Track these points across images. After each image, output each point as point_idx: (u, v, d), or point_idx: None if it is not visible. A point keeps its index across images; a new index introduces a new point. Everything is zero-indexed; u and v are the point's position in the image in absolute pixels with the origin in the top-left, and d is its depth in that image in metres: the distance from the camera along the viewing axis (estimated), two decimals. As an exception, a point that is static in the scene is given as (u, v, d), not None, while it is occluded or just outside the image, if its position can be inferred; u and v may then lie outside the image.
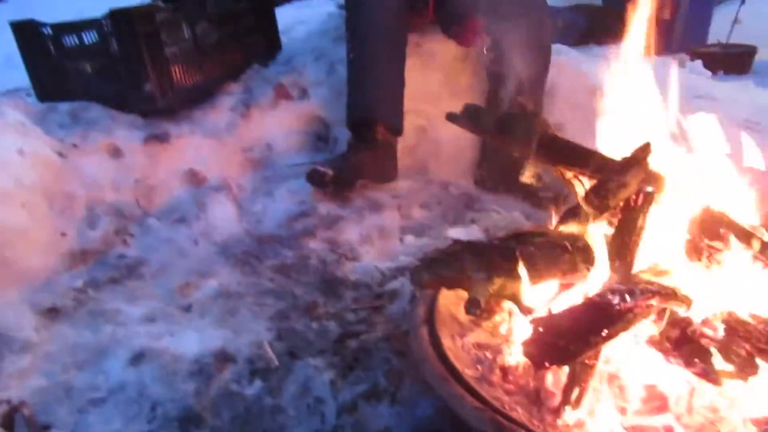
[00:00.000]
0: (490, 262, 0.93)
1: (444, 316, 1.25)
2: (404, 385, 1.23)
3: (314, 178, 1.97)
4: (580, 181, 1.16)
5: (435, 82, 2.36)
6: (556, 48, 2.32)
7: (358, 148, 2.07)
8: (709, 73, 3.33)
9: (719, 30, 3.81)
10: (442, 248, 0.95)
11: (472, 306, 0.89)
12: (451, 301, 1.26)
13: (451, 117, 1.20)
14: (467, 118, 1.15)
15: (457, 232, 1.90)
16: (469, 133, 2.24)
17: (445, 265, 0.92)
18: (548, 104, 2.28)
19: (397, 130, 2.13)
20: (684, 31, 3.64)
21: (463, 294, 1.02)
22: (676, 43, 3.57)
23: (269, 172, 2.19)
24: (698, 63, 3.38)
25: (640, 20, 1.36)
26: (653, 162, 1.09)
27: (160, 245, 1.81)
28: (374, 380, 1.26)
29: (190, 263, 1.73)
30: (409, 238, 1.88)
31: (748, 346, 0.95)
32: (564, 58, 2.45)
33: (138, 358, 1.36)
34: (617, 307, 0.92)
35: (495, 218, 2.00)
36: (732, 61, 3.51)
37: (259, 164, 2.22)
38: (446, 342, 1.17)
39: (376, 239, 1.86)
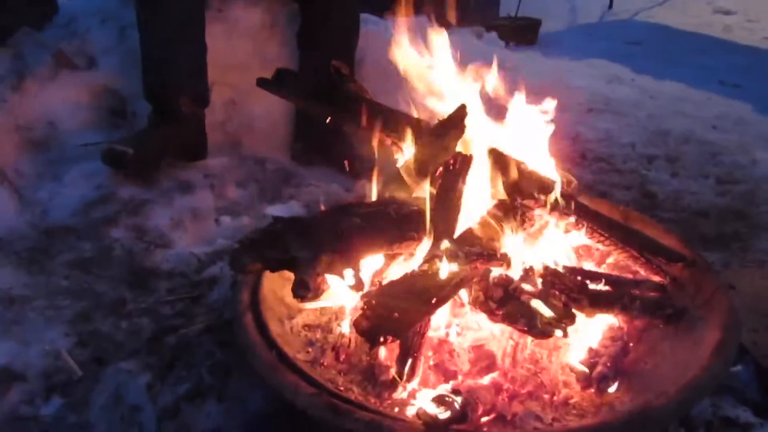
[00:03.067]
0: (315, 239, 0.87)
1: (269, 299, 1.18)
2: (232, 379, 1.14)
3: (111, 157, 1.75)
4: (399, 147, 1.14)
5: (242, 52, 2.22)
6: (364, 17, 2.30)
7: (160, 123, 1.88)
8: (503, 43, 3.57)
9: (508, 4, 4.10)
10: (263, 228, 0.87)
11: (299, 288, 0.83)
12: (275, 282, 1.19)
13: (261, 83, 1.11)
14: (279, 83, 1.07)
15: (276, 210, 1.82)
16: (282, 106, 2.17)
17: (267, 246, 0.84)
18: (358, 74, 2.26)
19: (204, 101, 1.97)
20: (477, 5, 3.83)
21: (289, 274, 0.96)
22: (471, 15, 3.75)
23: (55, 154, 1.90)
24: (493, 35, 3.60)
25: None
26: (470, 124, 1.10)
27: None
28: (198, 378, 1.15)
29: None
30: (226, 219, 1.76)
31: (563, 297, 1.00)
32: (372, 27, 2.44)
33: None
34: (444, 274, 0.92)
35: (314, 192, 1.94)
36: (521, 32, 3.79)
37: (42, 146, 1.92)
38: (274, 327, 1.10)
39: (189, 223, 1.71)
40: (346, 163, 1.94)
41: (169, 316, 1.35)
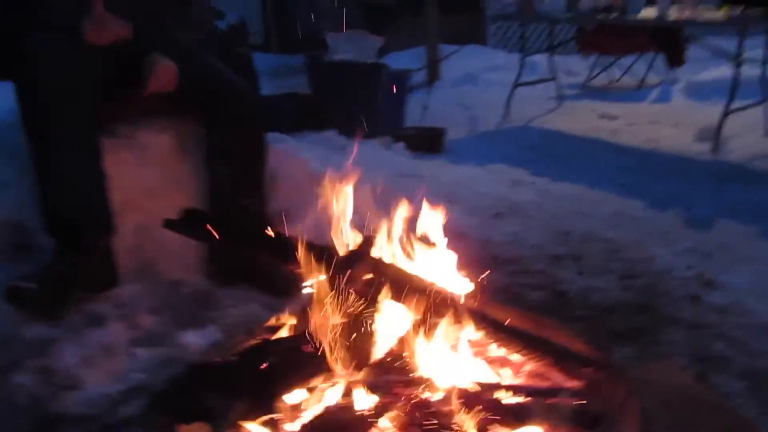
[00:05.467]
0: (230, 384, 0.85)
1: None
2: None
3: (14, 296, 1.67)
4: (309, 277, 1.16)
5: (152, 177, 2.22)
6: (273, 136, 2.37)
7: (64, 255, 1.82)
8: (410, 153, 3.75)
9: (412, 114, 4.35)
10: (175, 377, 0.85)
11: (215, 443, 0.80)
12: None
13: (169, 224, 1.11)
14: (186, 223, 1.08)
15: (193, 337, 1.77)
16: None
17: (180, 398, 0.82)
18: (271, 191, 2.30)
19: (108, 230, 1.93)
20: (384, 117, 4.04)
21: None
22: (379, 127, 3.93)
23: (-48, 295, 1.80)
24: (401, 144, 3.78)
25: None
26: (375, 253, 1.14)
27: None
28: None
29: None
30: (141, 351, 1.69)
31: (483, 415, 1.02)
32: (282, 145, 2.52)
33: None
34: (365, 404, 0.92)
35: (233, 314, 1.91)
36: (427, 141, 3.99)
37: (-66, 289, 1.81)
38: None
39: (100, 359, 1.63)
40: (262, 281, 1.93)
41: (77, 467, 1.26)
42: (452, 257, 1.39)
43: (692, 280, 2.18)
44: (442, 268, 1.35)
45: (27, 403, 1.44)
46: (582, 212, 2.88)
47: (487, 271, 2.23)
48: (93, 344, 1.66)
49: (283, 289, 1.82)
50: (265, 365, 0.89)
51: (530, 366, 1.30)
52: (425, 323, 1.15)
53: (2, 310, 1.69)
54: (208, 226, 1.09)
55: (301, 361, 0.95)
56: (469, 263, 1.45)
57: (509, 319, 1.30)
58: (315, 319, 1.03)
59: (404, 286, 1.15)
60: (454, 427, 0.99)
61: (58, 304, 1.75)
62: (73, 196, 1.84)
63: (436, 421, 0.98)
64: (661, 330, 1.88)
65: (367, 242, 1.12)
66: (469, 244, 2.56)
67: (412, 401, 1.01)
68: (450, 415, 1.01)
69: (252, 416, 0.87)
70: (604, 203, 3.01)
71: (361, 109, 3.82)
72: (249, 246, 1.12)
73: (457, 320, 1.19)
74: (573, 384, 1.23)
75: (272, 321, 1.23)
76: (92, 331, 1.71)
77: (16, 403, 1.44)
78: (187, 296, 2.02)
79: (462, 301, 1.25)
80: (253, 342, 1.03)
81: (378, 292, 1.08)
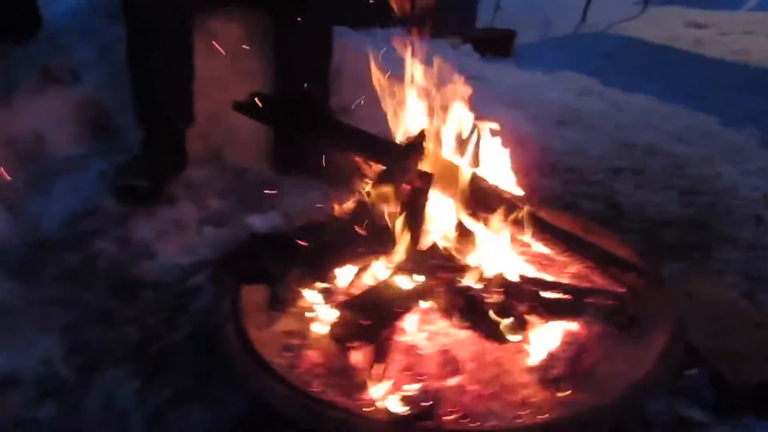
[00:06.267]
0: (288, 254, 0.94)
1: (249, 307, 1.24)
2: (214, 384, 1.20)
3: (128, 194, 1.81)
4: (368, 165, 1.22)
5: (222, 66, 2.28)
6: (340, 30, 2.37)
7: (153, 144, 1.93)
8: (478, 55, 3.67)
9: (485, 14, 4.20)
10: (240, 244, 0.94)
11: (273, 302, 0.90)
12: (256, 290, 1.26)
13: (237, 106, 1.18)
14: (254, 106, 1.14)
15: (256, 220, 1.89)
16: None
17: (244, 262, 0.91)
18: (336, 85, 2.33)
19: (190, 120, 2.04)
20: (454, 16, 3.92)
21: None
22: (448, 27, 3.83)
23: (43, 166, 1.97)
24: (468, 46, 3.70)
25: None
26: (429, 146, 1.18)
27: None
28: (182, 383, 1.22)
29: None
30: (208, 230, 1.82)
31: (520, 306, 1.08)
32: (348, 40, 2.52)
33: None
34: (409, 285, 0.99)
35: (294, 202, 2.01)
36: (496, 44, 3.88)
37: (29, 159, 1.98)
38: (253, 334, 1.17)
39: (172, 234, 1.77)
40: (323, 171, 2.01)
41: (154, 324, 1.41)
42: (506, 158, 1.41)
43: (757, 201, 2.13)
44: (496, 166, 1.38)
45: (108, 266, 1.61)
46: (650, 125, 2.79)
47: (543, 177, 2.27)
48: (166, 220, 1.80)
49: (338, 179, 1.91)
50: (320, 240, 0.97)
51: (574, 268, 1.34)
52: (475, 216, 1.20)
53: (87, 184, 1.84)
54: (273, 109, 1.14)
55: (354, 241, 1.03)
56: (527, 169, 1.47)
57: (558, 221, 1.34)
58: (370, 206, 1.09)
59: (455, 180, 1.19)
60: (492, 312, 1.06)
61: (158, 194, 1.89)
62: (168, 89, 1.93)
63: (474, 306, 1.06)
64: (716, 248, 1.87)
65: (422, 135, 1.15)
66: (529, 150, 2.56)
67: (454, 286, 1.09)
68: (489, 302, 1.08)
69: (306, 283, 0.96)
70: (675, 117, 2.91)
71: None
72: (310, 133, 1.17)
73: (507, 217, 1.24)
74: (614, 287, 1.27)
75: (331, 207, 1.30)
76: (165, 209, 1.85)
77: (99, 266, 1.61)
78: (252, 183, 2.13)
79: (514, 199, 1.29)
80: (312, 222, 1.11)
81: (430, 183, 1.13)
